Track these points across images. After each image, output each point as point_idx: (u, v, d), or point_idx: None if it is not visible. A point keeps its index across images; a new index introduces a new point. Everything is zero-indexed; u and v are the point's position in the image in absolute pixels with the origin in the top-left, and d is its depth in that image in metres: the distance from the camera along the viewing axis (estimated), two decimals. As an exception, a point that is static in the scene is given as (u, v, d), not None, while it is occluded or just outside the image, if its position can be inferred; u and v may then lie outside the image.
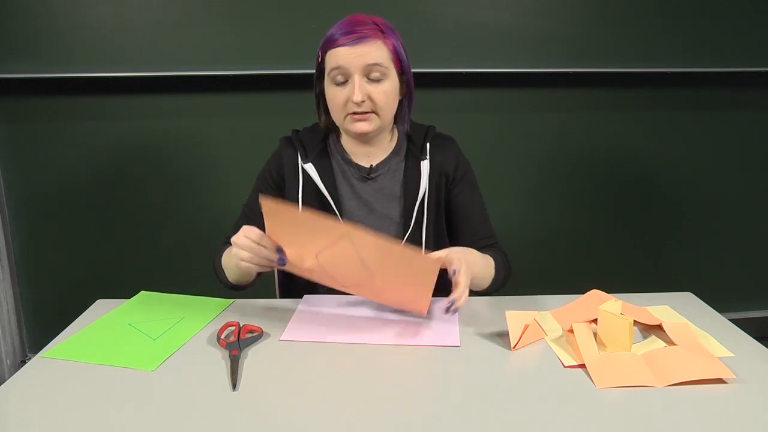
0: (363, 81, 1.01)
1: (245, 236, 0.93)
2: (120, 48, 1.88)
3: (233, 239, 0.94)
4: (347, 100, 1.02)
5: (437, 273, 0.89)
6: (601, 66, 2.02)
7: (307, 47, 1.78)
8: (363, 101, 1.01)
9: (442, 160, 1.13)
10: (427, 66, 1.93)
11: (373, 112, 1.04)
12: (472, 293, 1.08)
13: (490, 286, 1.08)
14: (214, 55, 1.90)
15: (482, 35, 1.97)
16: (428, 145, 1.13)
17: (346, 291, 1.03)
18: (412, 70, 1.09)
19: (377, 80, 1.02)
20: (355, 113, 1.03)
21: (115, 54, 1.88)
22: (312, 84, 1.11)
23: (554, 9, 1.97)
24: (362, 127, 1.04)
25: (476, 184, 1.18)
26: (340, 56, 1.00)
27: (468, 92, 2.05)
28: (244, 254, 0.93)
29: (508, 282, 1.13)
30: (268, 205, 0.89)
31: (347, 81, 1.02)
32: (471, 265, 0.95)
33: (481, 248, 1.09)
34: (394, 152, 1.14)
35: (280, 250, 0.94)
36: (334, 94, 1.04)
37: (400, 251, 0.89)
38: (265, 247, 0.93)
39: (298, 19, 1.88)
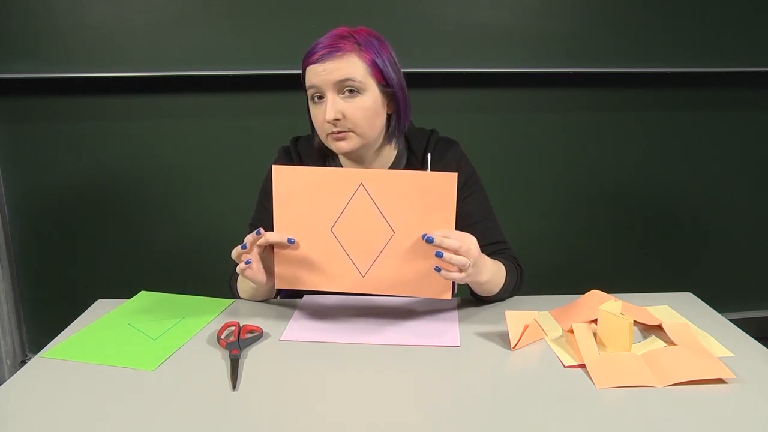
0: (336, 98, 0.97)
1: (238, 247, 0.92)
2: (120, 48, 1.88)
3: (233, 255, 0.93)
4: (324, 119, 0.98)
5: (456, 187, 0.88)
6: (601, 66, 2.02)
7: (307, 47, 1.78)
8: (337, 119, 0.97)
9: (443, 170, 1.10)
10: (427, 66, 1.93)
11: (350, 130, 0.99)
12: (482, 301, 1.07)
13: (500, 292, 1.03)
14: (214, 55, 1.90)
15: (482, 35, 1.97)
16: (429, 155, 1.09)
17: (357, 290, 0.96)
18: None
19: (351, 96, 0.97)
20: (333, 132, 0.99)
21: (115, 54, 1.88)
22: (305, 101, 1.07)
23: (554, 9, 1.97)
24: (342, 146, 1.00)
25: (482, 189, 1.14)
26: (313, 74, 0.97)
27: (468, 92, 2.05)
28: (245, 257, 0.92)
29: (521, 288, 1.09)
30: (280, 170, 0.90)
31: (323, 99, 0.98)
32: (480, 260, 0.93)
33: (490, 254, 1.04)
34: (394, 165, 1.10)
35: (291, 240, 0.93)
36: (314, 113, 1.01)
37: (414, 173, 0.90)
38: (263, 242, 0.91)
39: (298, 19, 1.88)
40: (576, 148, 2.15)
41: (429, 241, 0.87)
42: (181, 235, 2.09)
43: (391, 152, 1.11)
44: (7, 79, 1.87)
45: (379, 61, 0.99)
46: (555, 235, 2.22)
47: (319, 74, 0.96)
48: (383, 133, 1.06)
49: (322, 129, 1.00)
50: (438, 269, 0.89)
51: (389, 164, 1.11)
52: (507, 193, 2.13)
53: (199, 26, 1.88)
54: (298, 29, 1.89)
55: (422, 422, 0.72)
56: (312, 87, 0.98)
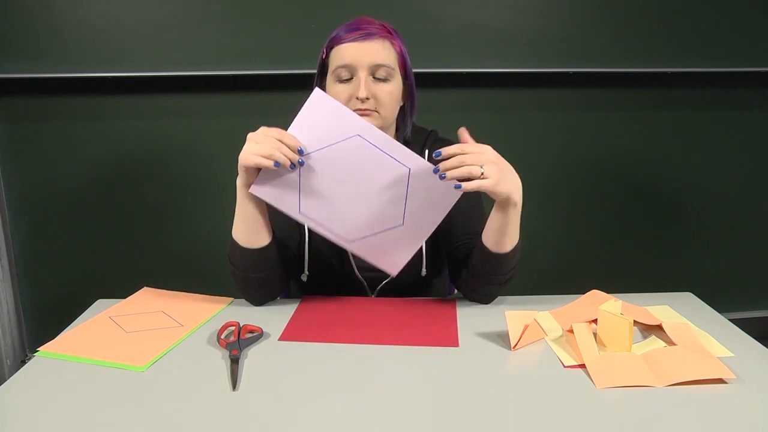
0: (369, 79, 1.00)
1: (264, 132, 0.91)
2: (119, 48, 1.87)
3: (250, 135, 0.93)
4: (351, 97, 1.00)
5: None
6: (601, 66, 2.02)
7: (307, 47, 1.78)
8: (368, 98, 1.00)
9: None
10: (428, 66, 1.93)
11: (375, 110, 1.02)
12: (485, 287, 1.07)
13: (508, 258, 0.98)
14: (214, 55, 1.90)
15: (482, 35, 1.97)
16: (426, 152, 1.12)
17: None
18: (414, 70, 1.08)
19: (383, 80, 1.01)
20: (357, 109, 1.01)
21: (114, 54, 1.88)
22: (312, 84, 1.10)
23: (554, 9, 1.98)
24: None
25: None
26: (347, 53, 0.99)
27: (468, 92, 2.05)
28: (262, 148, 0.90)
29: (513, 274, 1.07)
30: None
31: (352, 78, 1.00)
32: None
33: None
34: None
35: (301, 151, 0.91)
36: (337, 92, 1.02)
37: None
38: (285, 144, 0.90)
39: (298, 19, 1.88)
40: (576, 148, 2.15)
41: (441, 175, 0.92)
42: (181, 235, 2.08)
43: None
44: (7, 79, 1.87)
45: (405, 53, 1.04)
46: (555, 235, 2.22)
47: (356, 54, 0.99)
48: (394, 123, 1.10)
49: (347, 106, 1.02)
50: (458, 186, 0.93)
51: None
52: (507, 193, 2.13)
53: (199, 26, 1.88)
54: (298, 29, 1.89)
55: (422, 422, 0.72)
56: (344, 66, 0.99)
